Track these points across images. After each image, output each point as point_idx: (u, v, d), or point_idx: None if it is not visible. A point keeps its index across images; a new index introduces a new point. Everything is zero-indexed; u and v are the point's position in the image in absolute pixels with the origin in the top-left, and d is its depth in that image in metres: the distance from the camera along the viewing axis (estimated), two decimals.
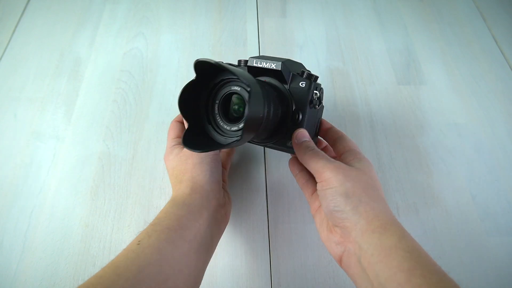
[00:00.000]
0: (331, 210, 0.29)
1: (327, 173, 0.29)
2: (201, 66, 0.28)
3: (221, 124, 0.32)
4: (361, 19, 0.61)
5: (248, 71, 0.36)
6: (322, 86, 0.35)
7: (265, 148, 0.46)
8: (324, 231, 0.31)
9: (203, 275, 0.31)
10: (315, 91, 0.34)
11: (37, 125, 0.47)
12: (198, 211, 0.31)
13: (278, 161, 0.45)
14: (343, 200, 0.28)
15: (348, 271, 0.28)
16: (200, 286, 0.36)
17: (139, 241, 0.27)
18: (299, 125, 0.34)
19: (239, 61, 0.37)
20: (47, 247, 0.39)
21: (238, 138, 0.27)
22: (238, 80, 0.30)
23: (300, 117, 0.34)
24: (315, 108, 0.34)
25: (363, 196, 0.28)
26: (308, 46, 0.57)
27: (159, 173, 0.44)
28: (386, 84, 0.53)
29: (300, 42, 0.57)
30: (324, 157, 0.31)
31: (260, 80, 0.34)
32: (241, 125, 0.30)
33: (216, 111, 0.32)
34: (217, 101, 0.32)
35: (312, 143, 0.32)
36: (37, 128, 0.47)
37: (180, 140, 0.37)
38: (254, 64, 0.35)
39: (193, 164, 0.34)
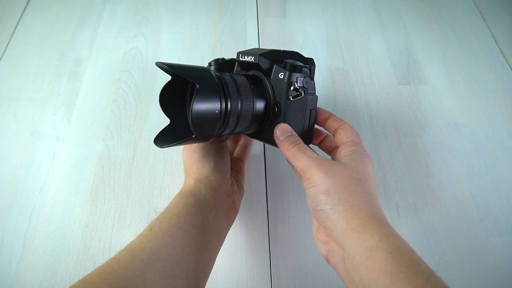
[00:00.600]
0: (313, 209, 0.28)
1: (309, 171, 0.28)
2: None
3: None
4: (361, 19, 0.61)
5: (237, 63, 0.37)
6: (310, 76, 0.34)
7: (265, 147, 0.46)
8: (314, 229, 0.31)
9: (214, 260, 0.32)
10: (294, 82, 0.32)
11: (37, 125, 0.47)
12: (204, 199, 0.32)
13: (278, 161, 0.45)
14: (324, 199, 0.27)
15: (336, 270, 0.28)
16: None
17: (151, 227, 0.28)
18: (280, 118, 0.33)
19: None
20: (47, 247, 0.39)
21: (194, 135, 0.28)
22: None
23: (278, 109, 0.33)
24: (290, 99, 0.32)
25: (343, 193, 0.26)
26: (308, 46, 0.57)
27: (159, 173, 0.44)
28: (386, 84, 0.53)
29: (300, 42, 0.57)
30: (307, 154, 0.29)
31: (232, 74, 0.34)
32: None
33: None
34: None
35: (295, 138, 0.31)
36: (37, 128, 0.47)
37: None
38: (240, 59, 0.35)
39: (199, 157, 0.35)
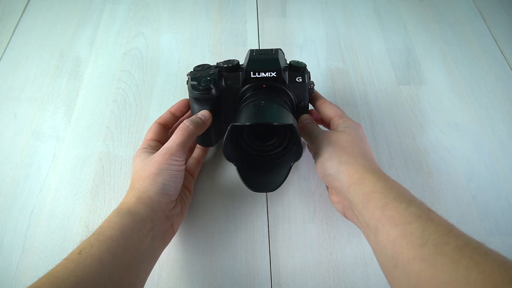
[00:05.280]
0: (323, 175, 0.33)
1: (315, 142, 0.34)
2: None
3: (253, 144, 0.37)
4: (361, 19, 0.61)
5: (245, 79, 0.38)
6: (309, 70, 0.38)
7: None
8: (329, 194, 0.37)
9: (144, 285, 0.30)
10: (312, 81, 0.38)
11: (37, 125, 0.47)
12: (142, 221, 0.30)
13: None
14: (328, 164, 0.32)
15: (353, 222, 0.32)
16: (200, 286, 0.37)
17: (80, 250, 0.26)
18: (303, 111, 0.40)
19: (218, 64, 0.39)
20: (47, 247, 0.39)
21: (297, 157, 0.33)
22: None
23: (303, 107, 0.39)
24: (311, 95, 0.40)
25: (343, 156, 0.32)
26: (308, 46, 0.57)
27: None
28: (386, 84, 0.53)
29: (300, 42, 0.57)
30: (316, 130, 0.36)
31: (274, 97, 0.36)
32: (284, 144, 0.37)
33: (246, 138, 0.37)
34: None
35: (311, 123, 0.38)
36: (37, 128, 0.47)
37: (152, 143, 0.37)
38: (252, 76, 0.37)
39: (149, 173, 0.33)
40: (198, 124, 0.36)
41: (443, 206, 0.42)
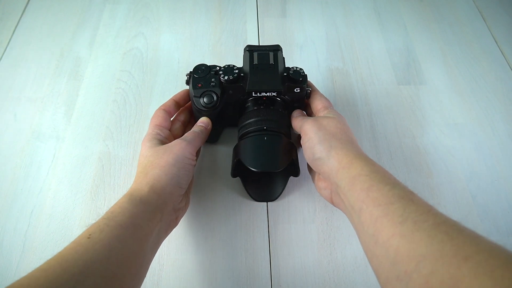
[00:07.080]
0: (311, 159, 0.34)
1: (304, 126, 0.36)
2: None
3: None
4: (361, 19, 0.61)
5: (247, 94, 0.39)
6: (303, 70, 0.39)
7: None
8: (315, 181, 0.37)
9: (145, 274, 0.31)
10: (308, 88, 0.40)
11: (37, 125, 0.47)
12: (153, 211, 0.30)
13: None
14: (318, 148, 0.33)
15: (339, 208, 0.33)
16: (200, 286, 0.37)
17: (89, 234, 0.26)
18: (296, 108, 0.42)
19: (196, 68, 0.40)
20: (47, 247, 0.39)
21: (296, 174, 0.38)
22: None
23: (297, 107, 0.42)
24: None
25: (333, 141, 0.33)
26: (308, 46, 0.57)
27: None
28: (386, 84, 0.53)
29: (300, 42, 0.57)
30: (305, 117, 0.38)
31: (274, 115, 0.38)
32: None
33: None
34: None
35: (301, 115, 0.40)
36: (37, 128, 0.47)
37: (164, 130, 0.38)
38: (254, 95, 0.38)
39: (165, 163, 0.33)
40: (202, 131, 0.39)
41: (443, 206, 0.42)
